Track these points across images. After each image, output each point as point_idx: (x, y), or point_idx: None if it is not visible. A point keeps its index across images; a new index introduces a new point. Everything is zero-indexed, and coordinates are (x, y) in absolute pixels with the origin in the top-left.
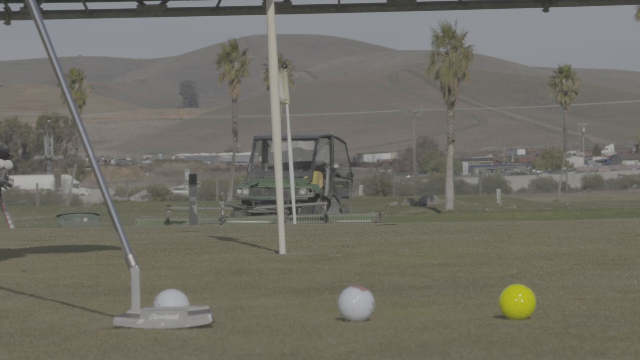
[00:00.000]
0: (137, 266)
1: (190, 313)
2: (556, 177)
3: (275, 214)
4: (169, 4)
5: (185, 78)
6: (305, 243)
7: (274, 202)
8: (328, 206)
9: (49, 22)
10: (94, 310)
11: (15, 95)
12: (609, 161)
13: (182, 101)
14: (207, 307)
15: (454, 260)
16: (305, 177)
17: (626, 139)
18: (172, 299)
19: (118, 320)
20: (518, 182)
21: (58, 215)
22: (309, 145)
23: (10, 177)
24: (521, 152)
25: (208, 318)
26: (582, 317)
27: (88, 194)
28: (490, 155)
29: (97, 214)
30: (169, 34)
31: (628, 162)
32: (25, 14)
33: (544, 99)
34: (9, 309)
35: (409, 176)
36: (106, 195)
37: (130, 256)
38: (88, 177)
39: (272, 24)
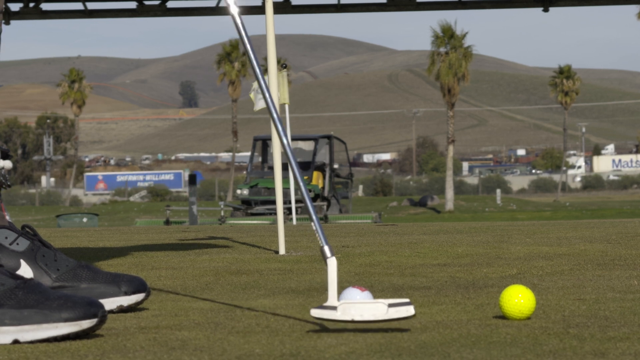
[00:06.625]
0: (333, 257)
1: (391, 305)
2: (556, 177)
3: (275, 214)
4: (169, 4)
5: (185, 78)
6: (305, 243)
7: (273, 202)
8: (328, 206)
9: (48, 22)
10: None
11: (15, 95)
12: None
13: (182, 101)
14: (407, 300)
15: (454, 261)
16: (305, 178)
17: (626, 139)
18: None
19: (315, 312)
20: (518, 182)
21: (58, 216)
22: (308, 145)
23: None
24: (521, 152)
25: (411, 310)
26: (582, 317)
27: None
28: (490, 156)
29: (96, 214)
30: (169, 34)
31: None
32: (25, 14)
33: (544, 99)
34: None
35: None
36: (304, 190)
37: (326, 247)
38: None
39: (271, 24)
